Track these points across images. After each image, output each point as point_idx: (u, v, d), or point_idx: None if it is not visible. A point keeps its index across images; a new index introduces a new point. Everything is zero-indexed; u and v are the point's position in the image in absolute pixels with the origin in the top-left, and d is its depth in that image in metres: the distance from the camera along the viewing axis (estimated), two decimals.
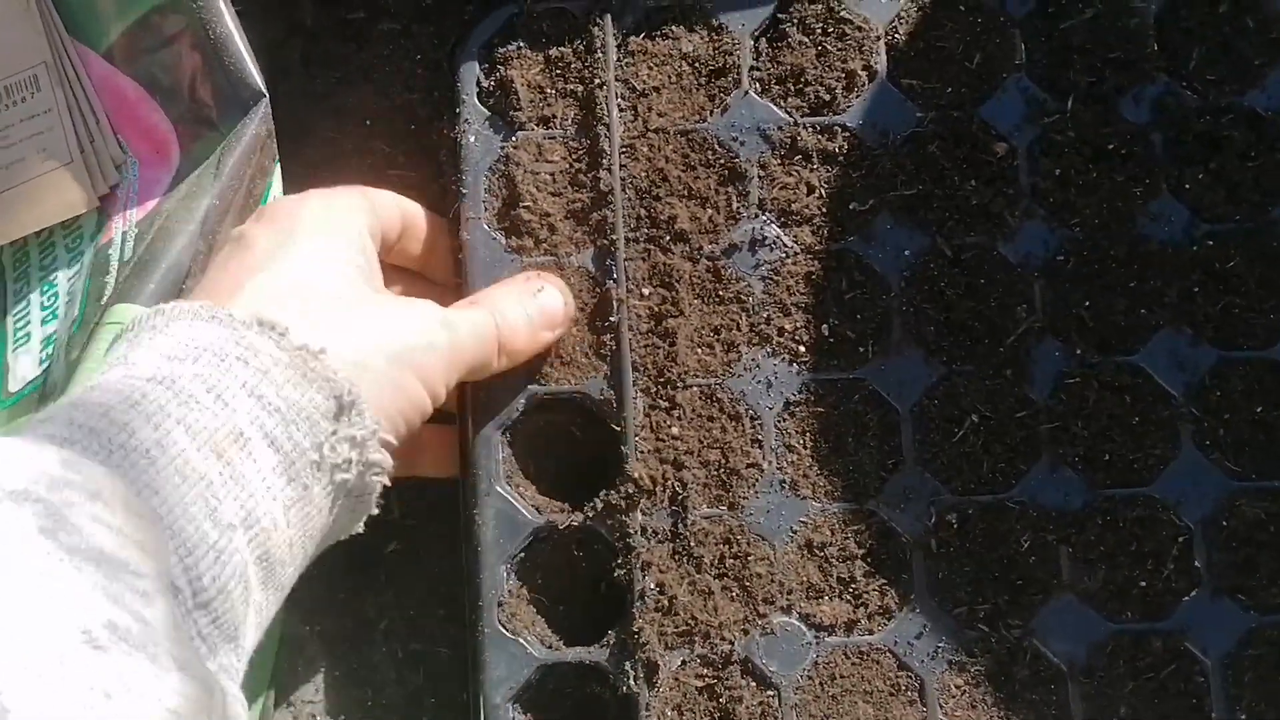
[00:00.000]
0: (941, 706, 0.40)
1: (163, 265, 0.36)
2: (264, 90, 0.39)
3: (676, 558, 0.41)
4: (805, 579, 0.41)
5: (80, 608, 0.25)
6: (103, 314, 0.36)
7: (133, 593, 0.26)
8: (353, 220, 0.38)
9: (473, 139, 0.43)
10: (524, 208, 0.43)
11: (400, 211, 0.41)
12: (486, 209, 0.43)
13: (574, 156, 0.43)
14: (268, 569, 0.31)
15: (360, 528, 0.36)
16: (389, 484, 0.35)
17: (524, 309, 0.40)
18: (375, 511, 0.36)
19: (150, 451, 0.29)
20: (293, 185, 0.42)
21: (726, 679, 0.40)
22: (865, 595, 0.41)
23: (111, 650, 0.25)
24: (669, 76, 0.43)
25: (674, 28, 0.43)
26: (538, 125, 0.43)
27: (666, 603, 0.40)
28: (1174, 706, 0.40)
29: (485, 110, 0.43)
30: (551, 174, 0.43)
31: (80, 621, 0.25)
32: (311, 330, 0.33)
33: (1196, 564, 0.41)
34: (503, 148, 0.43)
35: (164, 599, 0.27)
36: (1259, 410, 0.42)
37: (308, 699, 0.43)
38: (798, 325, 0.42)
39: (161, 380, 0.30)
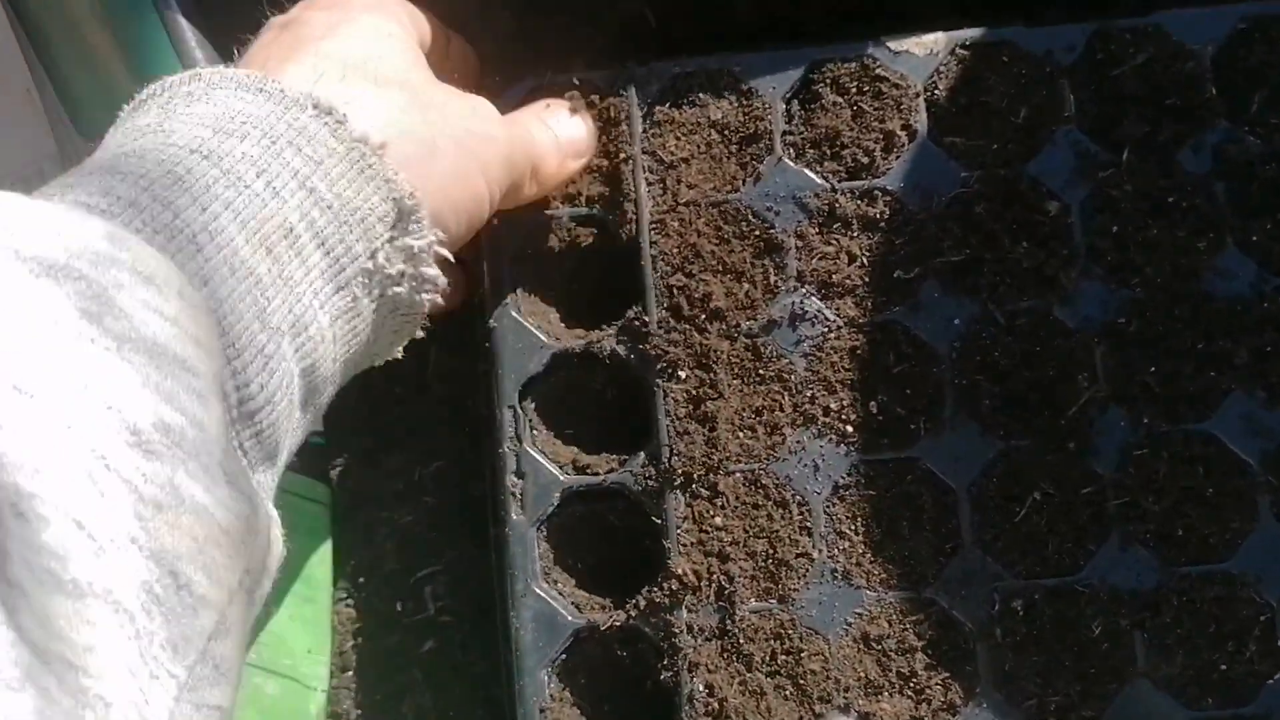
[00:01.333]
0: None
1: None
2: None
3: (725, 656, 0.38)
4: (863, 674, 0.38)
5: (128, 404, 0.22)
6: None
7: (188, 392, 0.23)
8: (405, 10, 0.35)
9: (496, 222, 0.41)
10: (552, 292, 0.41)
11: (439, 26, 0.38)
12: (513, 295, 0.41)
13: (602, 235, 0.41)
14: (310, 386, 0.28)
15: (399, 353, 0.33)
16: (441, 303, 0.32)
17: (552, 132, 0.38)
18: (420, 335, 0.33)
19: (198, 237, 0.26)
20: None
21: None
22: (928, 690, 0.38)
23: (163, 456, 0.22)
24: (698, 146, 0.41)
25: (701, 94, 0.41)
26: (563, 203, 0.41)
27: (717, 705, 0.38)
28: None
29: None
30: (580, 254, 0.41)
31: (129, 419, 0.22)
32: (374, 110, 0.30)
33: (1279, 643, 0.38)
34: (529, 230, 0.41)
35: (218, 404, 0.25)
36: None
37: None
38: (844, 403, 0.40)
39: (207, 155, 0.27)
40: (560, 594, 0.40)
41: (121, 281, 0.23)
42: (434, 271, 0.31)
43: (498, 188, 0.35)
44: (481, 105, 0.35)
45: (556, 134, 0.38)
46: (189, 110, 0.28)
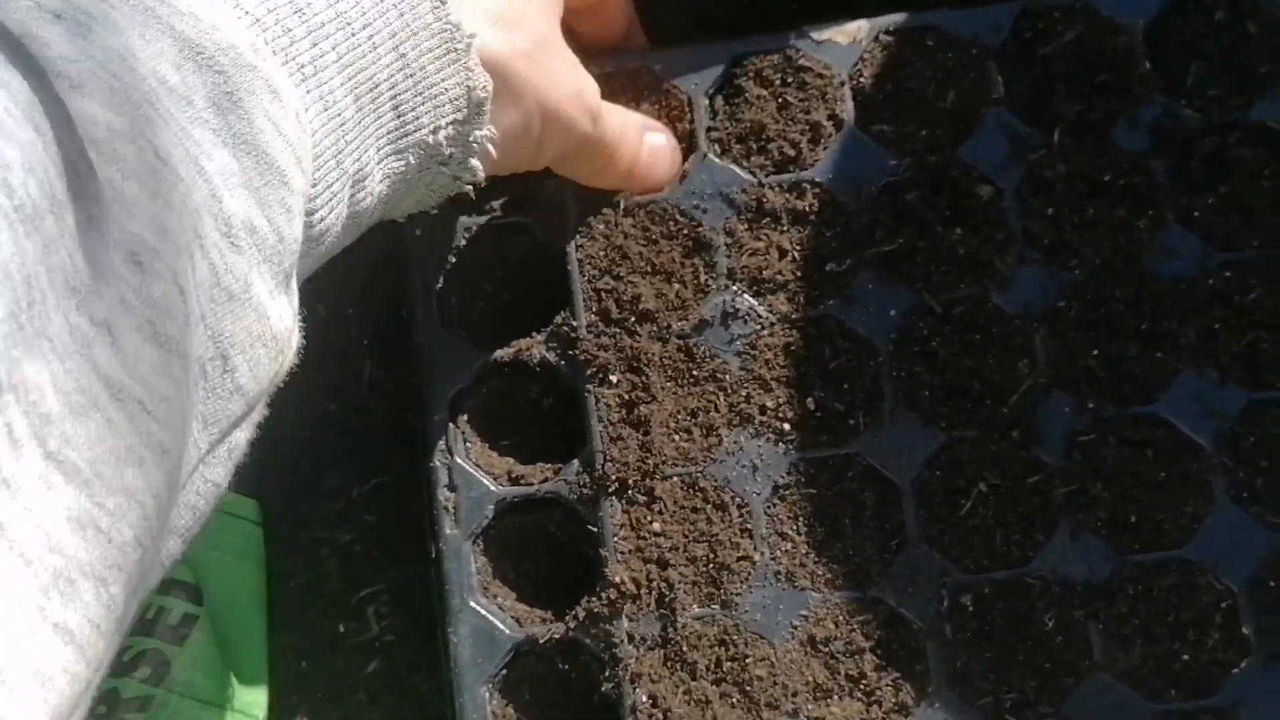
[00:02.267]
0: None
1: None
2: None
3: (668, 665, 0.37)
4: (811, 678, 0.37)
5: (230, 197, 0.24)
6: None
7: (279, 205, 0.25)
8: None
9: (419, 232, 0.40)
10: (481, 301, 0.41)
11: None
12: (441, 306, 0.40)
13: (529, 241, 0.41)
14: (337, 237, 0.29)
15: (403, 217, 0.34)
16: (472, 196, 0.34)
17: (637, 150, 0.38)
18: (432, 211, 0.34)
19: (304, 69, 0.27)
20: None
21: None
22: (878, 692, 0.37)
23: (245, 252, 0.24)
24: None
25: (622, 95, 0.40)
26: (482, 215, 0.40)
27: (661, 716, 0.37)
28: None
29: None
30: (507, 262, 0.41)
31: (227, 211, 0.24)
32: (478, 22, 0.31)
33: (1244, 631, 0.37)
34: (455, 240, 0.41)
35: (300, 222, 0.26)
36: None
37: None
38: (780, 401, 0.39)
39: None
40: (500, 608, 0.39)
41: (254, 88, 0.25)
42: (478, 164, 0.33)
43: (549, 157, 0.36)
44: (587, 89, 0.35)
45: (640, 156, 0.38)
46: None
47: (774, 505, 0.38)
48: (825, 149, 0.40)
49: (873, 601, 0.38)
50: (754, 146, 0.40)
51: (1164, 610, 0.37)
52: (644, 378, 0.39)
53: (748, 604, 0.37)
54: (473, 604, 0.38)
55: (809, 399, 0.39)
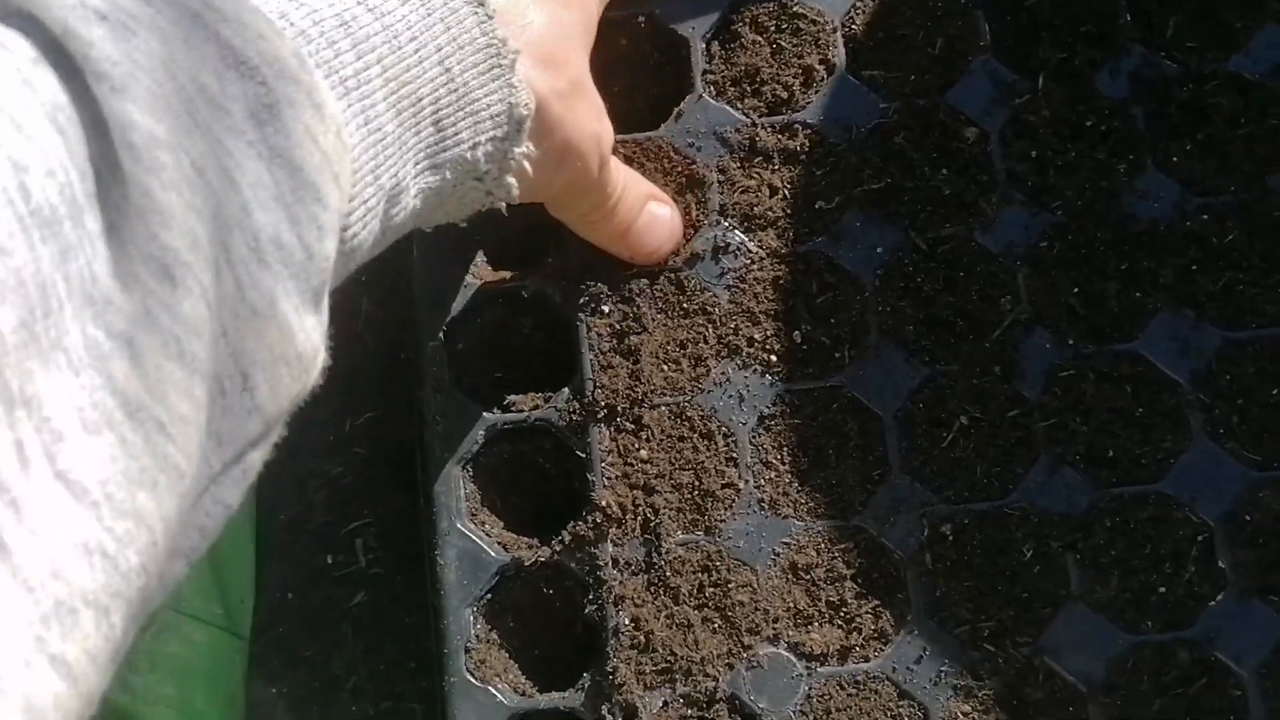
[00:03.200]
0: None
1: None
2: None
3: (652, 590, 0.38)
4: (792, 605, 0.38)
5: (260, 211, 0.23)
6: None
7: (311, 221, 0.24)
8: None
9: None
10: (477, 236, 0.41)
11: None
12: (437, 237, 0.41)
13: None
14: (368, 251, 0.29)
15: (430, 228, 0.34)
16: (505, 214, 0.34)
17: (639, 204, 0.38)
18: (461, 224, 0.34)
19: (347, 82, 0.27)
20: None
21: (713, 718, 0.37)
22: (858, 619, 0.37)
23: (271, 269, 0.23)
24: (622, 87, 0.42)
25: (622, 41, 0.41)
26: None
27: (643, 639, 0.37)
28: None
29: None
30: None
31: (256, 225, 0.23)
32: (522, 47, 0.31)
33: (1220, 564, 0.37)
34: None
35: (334, 240, 0.25)
36: (1274, 392, 0.38)
37: None
38: (768, 334, 0.39)
39: (372, 9, 0.28)
40: (487, 534, 0.39)
41: (295, 100, 0.25)
42: (513, 181, 0.33)
43: (554, 191, 0.36)
44: (604, 135, 0.36)
45: (638, 219, 0.38)
46: None
47: (759, 435, 0.39)
48: (817, 92, 0.41)
49: (854, 530, 0.38)
50: (748, 89, 0.41)
51: (1141, 543, 0.38)
52: (635, 308, 0.39)
53: (731, 531, 0.38)
54: (460, 527, 0.38)
55: (796, 332, 0.39)
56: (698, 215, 0.40)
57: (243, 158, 0.23)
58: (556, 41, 0.33)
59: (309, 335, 0.25)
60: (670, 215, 0.39)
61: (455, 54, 0.30)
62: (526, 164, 0.33)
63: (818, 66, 0.41)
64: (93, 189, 0.20)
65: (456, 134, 0.30)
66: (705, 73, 0.41)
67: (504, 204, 0.34)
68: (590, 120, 0.35)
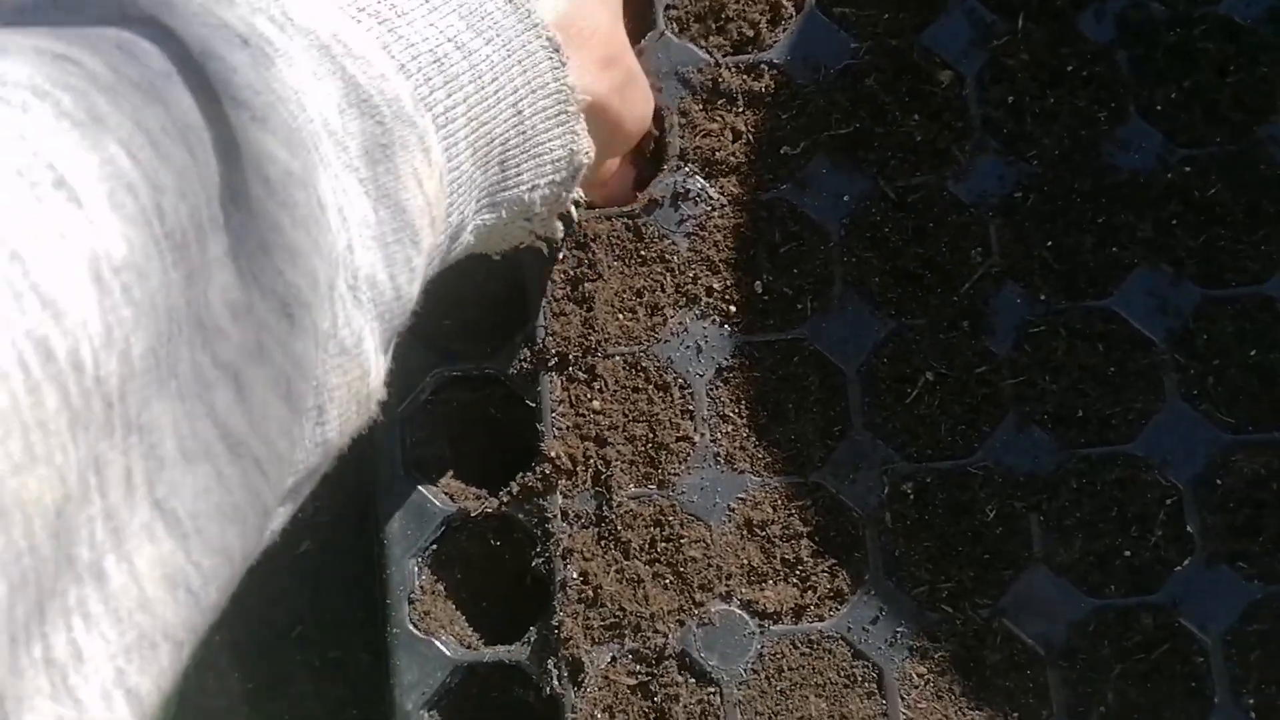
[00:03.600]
0: (903, 698, 0.35)
1: None
2: None
3: (602, 543, 0.37)
4: (746, 562, 0.36)
5: (362, 250, 0.23)
6: None
7: (405, 264, 0.25)
8: None
9: None
10: None
11: None
12: None
13: None
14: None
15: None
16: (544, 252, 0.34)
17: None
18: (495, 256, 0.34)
19: (439, 119, 0.26)
20: None
21: (661, 676, 0.36)
22: (813, 578, 0.36)
23: (365, 307, 0.24)
24: None
25: None
26: None
27: (591, 593, 0.36)
28: (1169, 690, 0.35)
29: None
30: None
31: (357, 263, 0.23)
32: (586, 67, 0.31)
33: (1189, 529, 0.36)
34: None
35: (420, 283, 0.26)
36: (1252, 353, 0.37)
37: (218, 717, 0.40)
38: (728, 284, 0.38)
39: (460, 46, 0.28)
40: (433, 484, 0.38)
41: (408, 143, 0.25)
42: (560, 225, 0.33)
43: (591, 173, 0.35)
44: (649, 112, 0.36)
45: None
46: None
47: (716, 387, 0.38)
48: (784, 30, 0.39)
49: (812, 487, 0.37)
50: (713, 26, 0.39)
51: (1108, 505, 0.36)
52: (590, 254, 0.38)
53: (685, 485, 0.37)
54: (404, 476, 0.37)
55: (757, 282, 0.38)
56: (658, 159, 0.39)
57: (354, 195, 0.24)
58: (613, 37, 0.33)
59: (380, 374, 0.25)
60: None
61: (528, 97, 0.29)
62: (574, 209, 0.33)
63: (786, 3, 0.39)
64: (218, 213, 0.20)
65: (519, 175, 0.30)
66: (668, 8, 0.40)
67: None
68: (641, 104, 0.35)
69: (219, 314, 0.20)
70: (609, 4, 0.33)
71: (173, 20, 0.21)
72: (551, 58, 0.30)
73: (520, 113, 0.29)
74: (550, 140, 0.30)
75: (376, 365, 0.25)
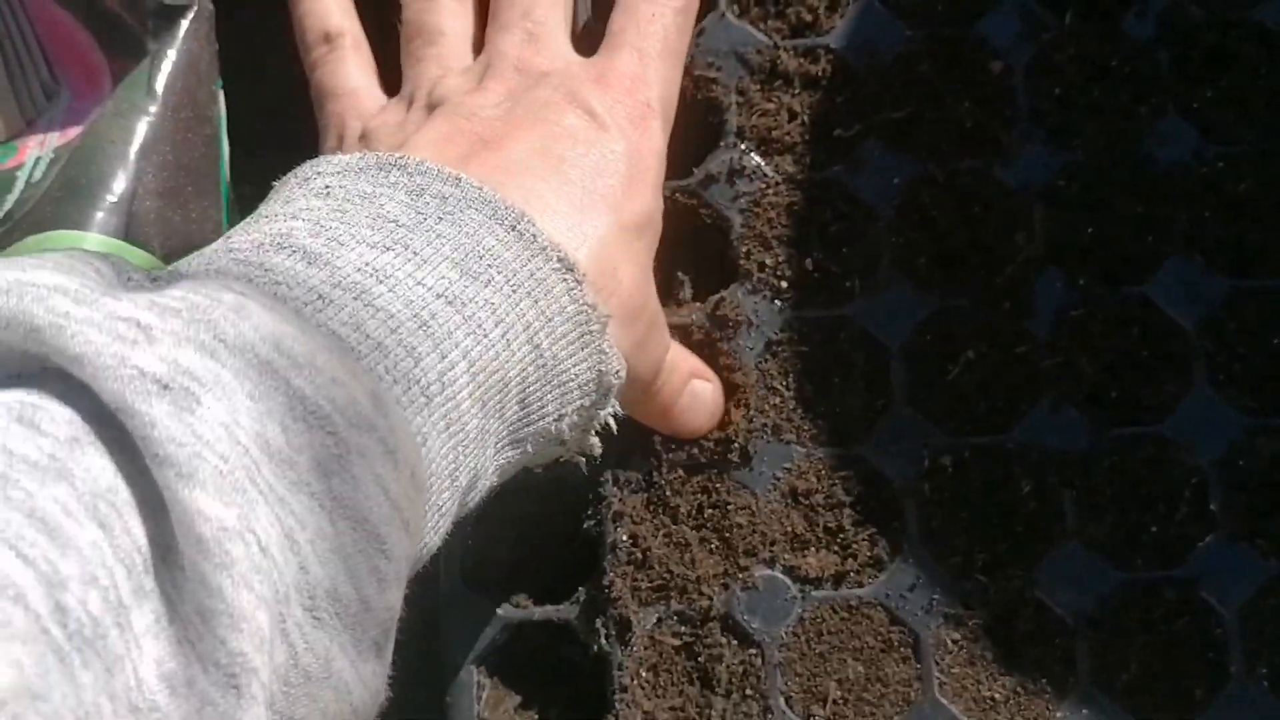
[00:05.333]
0: (938, 663, 0.36)
1: (100, 191, 0.32)
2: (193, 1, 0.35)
3: (651, 508, 0.37)
4: (789, 529, 0.37)
5: (317, 568, 0.21)
6: (25, 238, 0.32)
7: (371, 574, 0.22)
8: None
9: None
10: None
11: None
12: None
13: None
14: (435, 545, 0.27)
15: None
16: (583, 472, 0.33)
17: (681, 384, 0.35)
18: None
19: (430, 388, 0.24)
20: (244, 118, 0.39)
21: (705, 637, 0.36)
22: (854, 545, 0.37)
23: (327, 625, 0.21)
24: None
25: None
26: None
27: (640, 555, 0.37)
28: (1190, 661, 0.36)
29: None
30: None
31: (312, 581, 0.21)
32: (602, 267, 0.29)
33: (1211, 507, 0.37)
34: None
35: (398, 590, 0.23)
36: (1276, 342, 0.38)
37: None
38: (780, 260, 0.38)
39: (452, 301, 0.25)
40: None
41: (367, 449, 0.22)
42: (596, 441, 0.31)
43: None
44: (665, 358, 0.33)
45: (679, 399, 0.35)
46: (439, 230, 0.26)
47: (765, 360, 0.38)
48: (842, 16, 0.39)
49: (855, 459, 0.37)
50: (772, 10, 0.40)
51: (1136, 483, 0.37)
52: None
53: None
54: None
55: (808, 260, 0.38)
56: (715, 136, 0.39)
57: (305, 512, 0.21)
58: (637, 290, 0.30)
59: (367, 684, 0.23)
60: (713, 393, 0.36)
61: (544, 328, 0.27)
62: (613, 421, 0.31)
63: None
64: (141, 582, 0.18)
65: (542, 408, 0.28)
66: None
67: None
68: (660, 348, 0.33)
69: (154, 690, 0.18)
70: (633, 254, 0.30)
71: (85, 372, 0.19)
72: (565, 279, 0.27)
73: (537, 346, 0.27)
74: (575, 365, 0.28)
75: (358, 679, 0.22)
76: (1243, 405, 0.38)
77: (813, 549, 0.37)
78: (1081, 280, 0.38)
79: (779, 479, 0.37)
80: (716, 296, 0.38)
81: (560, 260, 0.28)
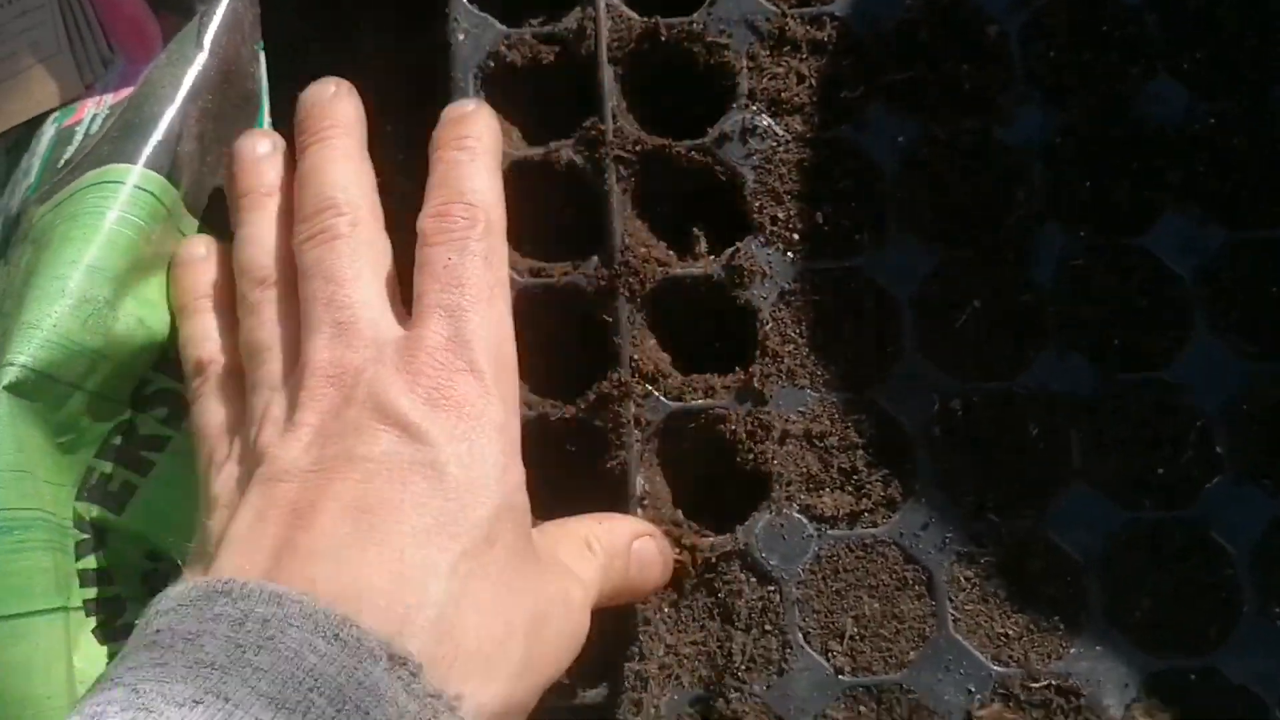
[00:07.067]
0: (951, 600, 0.36)
1: (151, 129, 0.34)
2: None
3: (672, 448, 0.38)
4: (805, 470, 0.38)
5: None
6: (84, 174, 0.34)
7: None
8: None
9: (461, 38, 0.41)
10: (515, 110, 0.41)
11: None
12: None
13: (563, 52, 0.41)
14: None
15: None
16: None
17: (626, 572, 0.34)
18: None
19: None
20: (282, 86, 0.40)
21: (725, 573, 0.37)
22: (868, 486, 0.37)
23: None
24: None
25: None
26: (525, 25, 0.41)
27: (660, 496, 0.37)
28: (1201, 600, 0.36)
29: (474, 9, 0.41)
30: (541, 71, 0.41)
31: None
32: (454, 649, 0.27)
33: (1218, 450, 0.37)
34: (492, 49, 0.41)
35: None
36: (1273, 289, 0.39)
37: None
38: (791, 214, 0.40)
39: None
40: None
41: None
42: None
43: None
44: (571, 587, 0.31)
45: (630, 574, 0.34)
46: (256, 662, 0.25)
47: (779, 309, 0.39)
48: None
49: (868, 403, 0.38)
50: None
51: (1143, 427, 0.38)
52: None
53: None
54: None
55: (818, 214, 0.39)
56: (727, 99, 0.40)
57: None
58: (493, 623, 0.28)
59: None
60: (656, 546, 0.35)
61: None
62: None
63: None
64: None
65: None
66: None
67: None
68: (570, 619, 0.31)
69: None
70: (482, 581, 0.28)
71: None
72: (400, 676, 0.25)
73: None
74: None
75: None
76: (1244, 351, 0.38)
77: (828, 489, 0.37)
78: (1081, 232, 0.39)
79: (794, 422, 0.38)
80: (731, 249, 0.39)
81: (391, 658, 0.25)
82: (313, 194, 0.33)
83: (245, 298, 0.33)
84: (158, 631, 0.25)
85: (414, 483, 0.28)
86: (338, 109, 0.35)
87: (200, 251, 0.35)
